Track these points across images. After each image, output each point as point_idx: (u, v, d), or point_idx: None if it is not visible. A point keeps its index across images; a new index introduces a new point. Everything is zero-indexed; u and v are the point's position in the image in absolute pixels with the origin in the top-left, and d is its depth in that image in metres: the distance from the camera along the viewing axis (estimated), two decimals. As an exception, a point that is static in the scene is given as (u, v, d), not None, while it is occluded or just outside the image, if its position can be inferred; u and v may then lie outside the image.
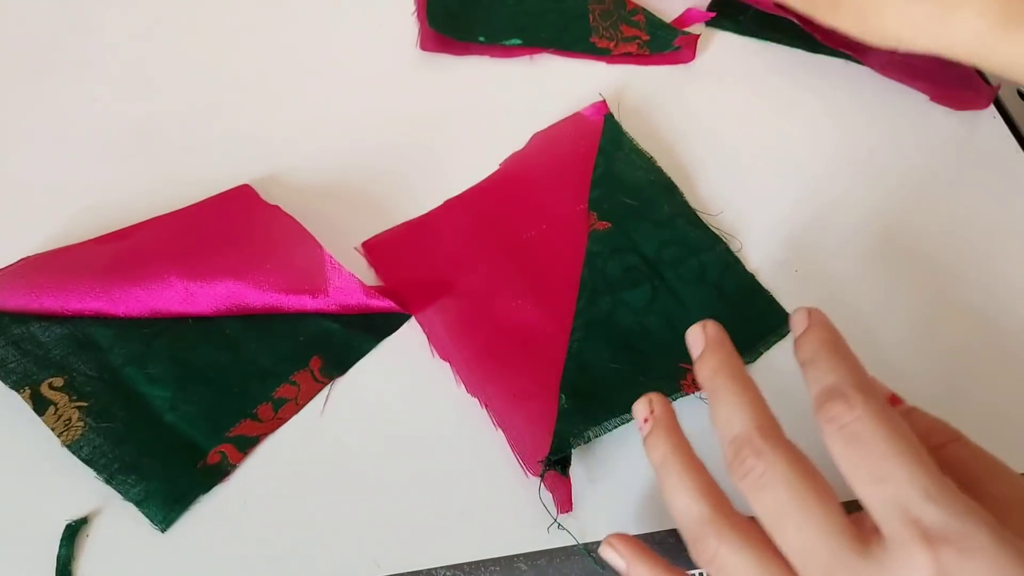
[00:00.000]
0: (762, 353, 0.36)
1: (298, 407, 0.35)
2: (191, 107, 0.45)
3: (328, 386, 0.35)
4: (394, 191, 0.41)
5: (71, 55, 0.47)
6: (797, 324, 0.28)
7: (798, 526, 0.24)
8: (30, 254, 0.38)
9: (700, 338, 0.29)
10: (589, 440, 0.33)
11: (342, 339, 0.36)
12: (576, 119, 0.43)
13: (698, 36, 0.46)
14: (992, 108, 0.45)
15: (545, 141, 0.42)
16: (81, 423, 0.33)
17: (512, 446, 0.33)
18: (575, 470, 0.33)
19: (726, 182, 0.42)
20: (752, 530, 0.25)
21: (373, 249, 0.39)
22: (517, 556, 0.32)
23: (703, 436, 0.29)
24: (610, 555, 0.28)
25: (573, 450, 0.32)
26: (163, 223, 0.39)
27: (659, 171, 0.41)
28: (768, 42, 0.47)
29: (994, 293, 0.38)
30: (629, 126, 0.43)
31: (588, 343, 0.35)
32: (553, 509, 0.32)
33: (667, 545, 0.31)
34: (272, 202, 0.39)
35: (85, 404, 0.34)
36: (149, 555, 0.32)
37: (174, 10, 0.49)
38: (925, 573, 0.22)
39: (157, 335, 0.36)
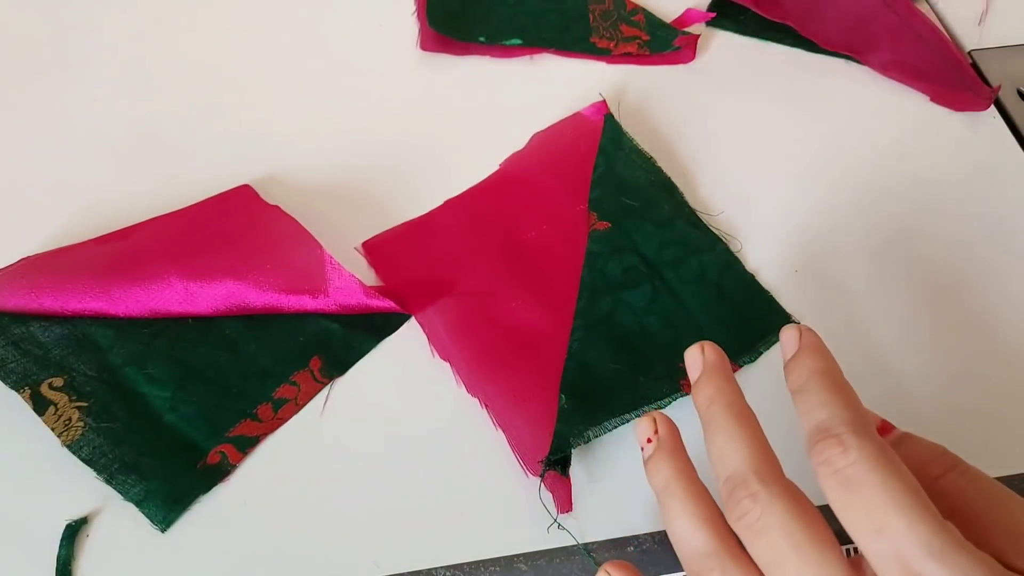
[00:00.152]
0: (762, 353, 0.36)
1: (298, 407, 0.35)
2: (191, 107, 0.45)
3: (328, 386, 0.35)
4: (394, 191, 0.41)
5: (71, 55, 0.47)
6: (787, 345, 0.27)
7: (795, 573, 0.23)
8: (30, 254, 0.38)
9: (698, 361, 0.28)
10: (589, 440, 0.33)
11: (342, 339, 0.36)
12: (576, 119, 0.43)
13: (698, 36, 0.46)
14: (992, 108, 0.44)
15: (545, 141, 0.42)
16: (81, 423, 0.33)
17: (512, 446, 0.33)
18: (575, 470, 0.33)
19: (726, 182, 0.42)
20: (754, 565, 0.24)
21: (373, 249, 0.39)
22: (517, 556, 0.32)
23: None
24: None
25: (573, 450, 0.32)
26: (163, 223, 0.39)
27: (659, 171, 0.41)
28: (768, 42, 0.47)
29: (994, 292, 0.38)
30: (629, 126, 0.43)
31: (588, 343, 0.35)
32: (553, 509, 0.32)
33: (667, 544, 0.31)
34: (272, 202, 0.39)
35: (85, 404, 0.34)
36: (149, 555, 0.32)
37: (174, 10, 0.49)
38: None
39: (157, 335, 0.36)
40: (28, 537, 0.32)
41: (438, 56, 0.46)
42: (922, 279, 0.39)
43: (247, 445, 0.34)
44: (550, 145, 0.42)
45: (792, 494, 0.24)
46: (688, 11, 0.47)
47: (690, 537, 0.25)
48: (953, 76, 0.45)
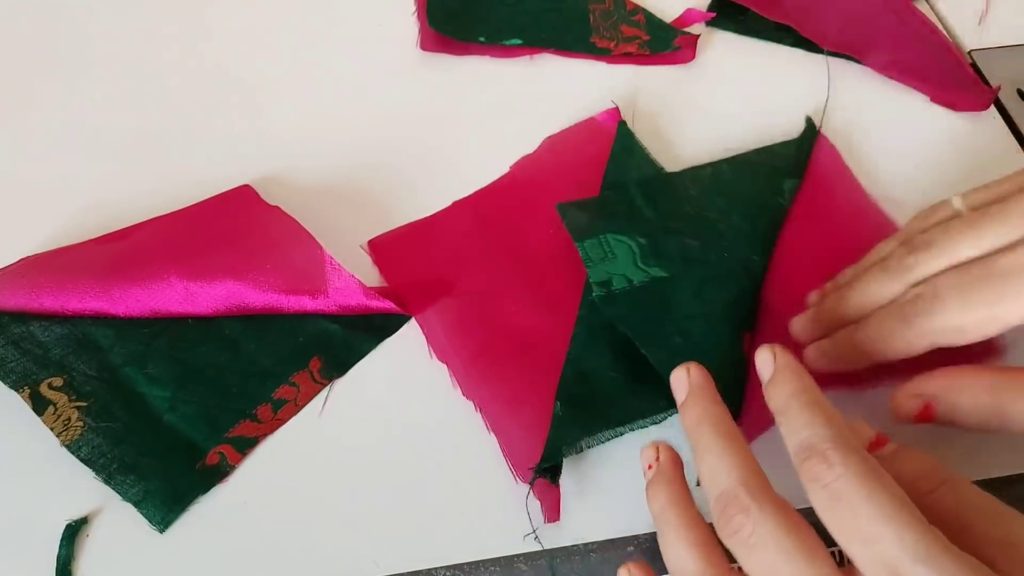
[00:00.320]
0: None
1: (297, 408, 0.35)
2: (192, 107, 0.45)
3: (327, 387, 0.35)
4: (394, 191, 0.41)
5: (72, 55, 0.47)
6: (764, 367, 0.28)
7: None
8: (30, 254, 0.38)
9: (684, 383, 0.29)
10: (582, 450, 0.33)
11: (342, 340, 0.36)
12: (589, 124, 0.43)
13: (698, 36, 0.46)
14: (992, 108, 0.44)
15: (557, 146, 0.42)
16: (80, 423, 0.33)
17: (504, 451, 0.33)
18: (575, 469, 0.33)
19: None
20: None
21: (378, 248, 0.39)
22: (517, 556, 0.32)
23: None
24: None
25: (565, 459, 0.32)
26: (163, 223, 0.39)
27: None
28: (768, 42, 0.47)
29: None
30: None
31: (588, 350, 0.35)
32: (536, 516, 0.32)
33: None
34: (273, 202, 0.39)
35: (84, 404, 0.34)
36: (149, 555, 0.32)
37: (175, 10, 0.49)
38: None
39: (157, 335, 0.36)
40: (28, 537, 0.32)
41: (438, 56, 0.46)
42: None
43: (246, 446, 0.34)
44: (561, 150, 0.42)
45: (782, 508, 0.25)
46: (688, 11, 0.47)
47: (684, 563, 0.26)
48: (953, 76, 0.45)
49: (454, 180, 0.41)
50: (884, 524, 0.23)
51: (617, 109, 0.43)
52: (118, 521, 0.32)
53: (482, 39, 0.46)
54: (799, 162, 0.41)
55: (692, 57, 0.46)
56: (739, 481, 0.25)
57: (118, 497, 0.32)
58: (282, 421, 0.34)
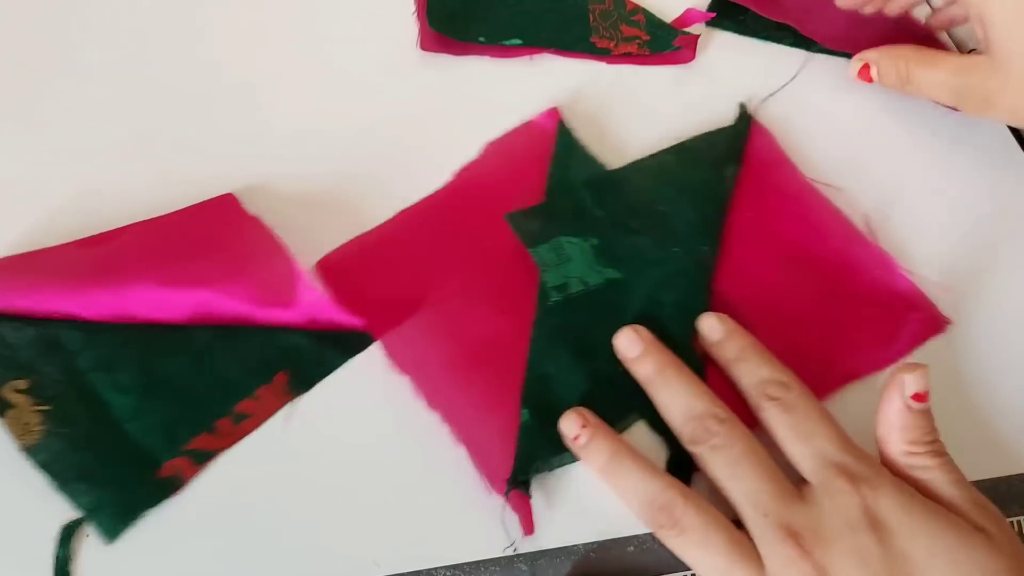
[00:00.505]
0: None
1: (259, 423, 0.34)
2: (186, 108, 0.44)
3: (291, 403, 0.35)
4: (395, 191, 0.41)
5: (57, 57, 0.46)
6: (713, 329, 0.34)
7: (751, 471, 0.30)
8: (2, 256, 0.37)
9: (636, 340, 0.34)
10: (553, 469, 0.33)
11: (311, 354, 0.35)
12: (529, 127, 0.43)
13: (698, 36, 0.47)
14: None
15: (498, 150, 0.42)
16: (40, 427, 0.33)
17: (475, 462, 0.33)
18: (574, 469, 0.33)
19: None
20: (703, 499, 0.30)
21: (327, 268, 0.38)
22: (517, 556, 0.31)
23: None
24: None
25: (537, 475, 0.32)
26: (142, 229, 0.38)
27: None
28: (768, 41, 0.47)
29: (993, 293, 0.38)
30: (631, 124, 0.43)
31: (547, 353, 0.35)
32: (512, 529, 0.32)
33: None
34: (262, 209, 0.39)
35: (47, 408, 0.33)
36: (148, 554, 0.31)
37: (168, 10, 0.48)
38: (850, 500, 0.28)
39: (126, 341, 0.35)
40: (26, 537, 0.31)
41: (438, 56, 0.46)
42: (919, 278, 0.39)
43: (203, 459, 0.33)
44: (504, 154, 0.42)
45: (745, 428, 0.31)
46: (688, 11, 0.48)
47: (643, 485, 0.30)
48: None
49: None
50: (824, 427, 0.31)
51: (556, 109, 0.43)
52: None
53: (482, 39, 0.46)
54: (736, 148, 0.41)
55: (692, 57, 0.46)
56: (712, 403, 0.32)
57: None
58: (242, 435, 0.34)
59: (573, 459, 0.33)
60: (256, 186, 0.41)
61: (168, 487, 0.32)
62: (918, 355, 0.36)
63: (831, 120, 0.44)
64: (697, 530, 0.29)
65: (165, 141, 0.43)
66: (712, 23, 0.48)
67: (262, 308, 0.35)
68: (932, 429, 0.30)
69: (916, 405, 0.30)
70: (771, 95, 0.45)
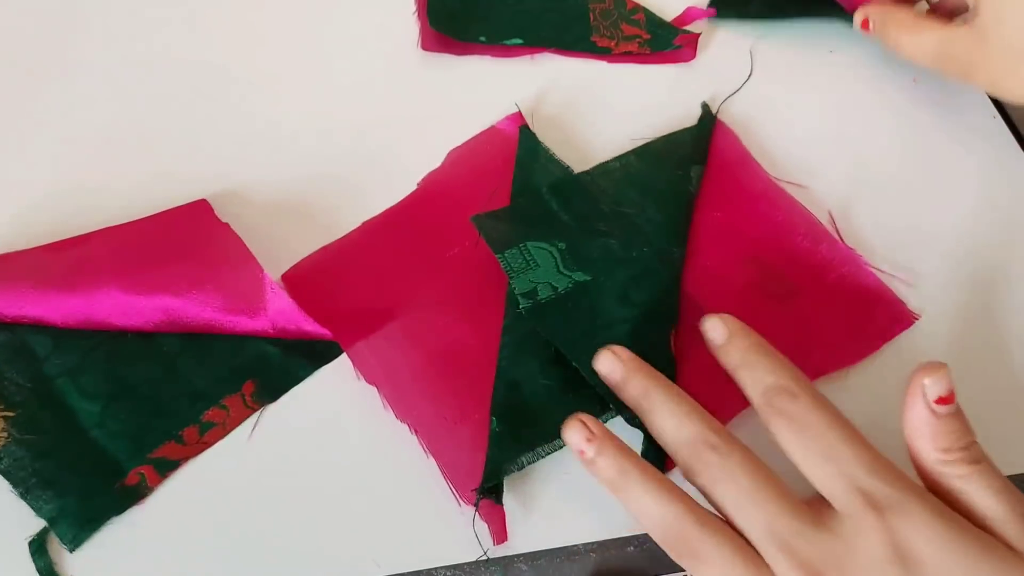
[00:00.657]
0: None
1: (225, 432, 0.34)
2: (183, 107, 0.44)
3: (258, 412, 0.35)
4: (395, 190, 0.41)
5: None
6: (716, 331, 0.31)
7: (758, 507, 0.27)
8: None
9: (616, 363, 0.31)
10: (522, 467, 0.32)
11: (279, 364, 0.35)
12: (491, 133, 0.42)
13: (699, 35, 0.46)
14: (992, 108, 0.45)
15: (462, 157, 0.42)
16: (4, 433, 0.33)
17: (444, 473, 0.33)
18: (573, 468, 0.33)
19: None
20: (722, 522, 0.27)
21: (293, 280, 0.38)
22: (517, 556, 0.32)
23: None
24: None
25: (506, 477, 0.32)
26: (113, 234, 0.38)
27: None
28: (771, 20, 0.47)
29: (994, 292, 0.39)
30: (630, 124, 0.43)
31: (516, 360, 0.35)
32: (485, 537, 0.32)
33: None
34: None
35: (11, 414, 0.33)
36: (147, 554, 0.32)
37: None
38: (878, 537, 0.25)
39: (94, 347, 0.35)
40: (9, 542, 0.32)
41: (438, 56, 0.46)
42: (919, 279, 0.39)
43: (168, 468, 0.33)
44: (467, 161, 0.42)
45: (744, 447, 0.28)
46: (688, 10, 0.47)
47: (662, 512, 0.28)
48: None
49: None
50: (843, 444, 0.27)
51: (519, 113, 0.43)
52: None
53: (483, 39, 0.46)
54: (701, 148, 0.41)
55: (693, 56, 0.46)
56: (705, 427, 0.28)
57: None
58: (207, 444, 0.34)
59: (543, 456, 0.33)
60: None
61: (132, 495, 0.32)
62: (887, 350, 0.36)
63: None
64: (715, 562, 0.27)
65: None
66: (718, 15, 0.47)
67: (230, 316, 0.35)
68: (965, 432, 0.27)
69: (942, 409, 0.27)
70: (733, 93, 0.44)
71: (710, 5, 0.48)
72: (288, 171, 0.42)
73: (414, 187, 0.41)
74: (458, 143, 0.42)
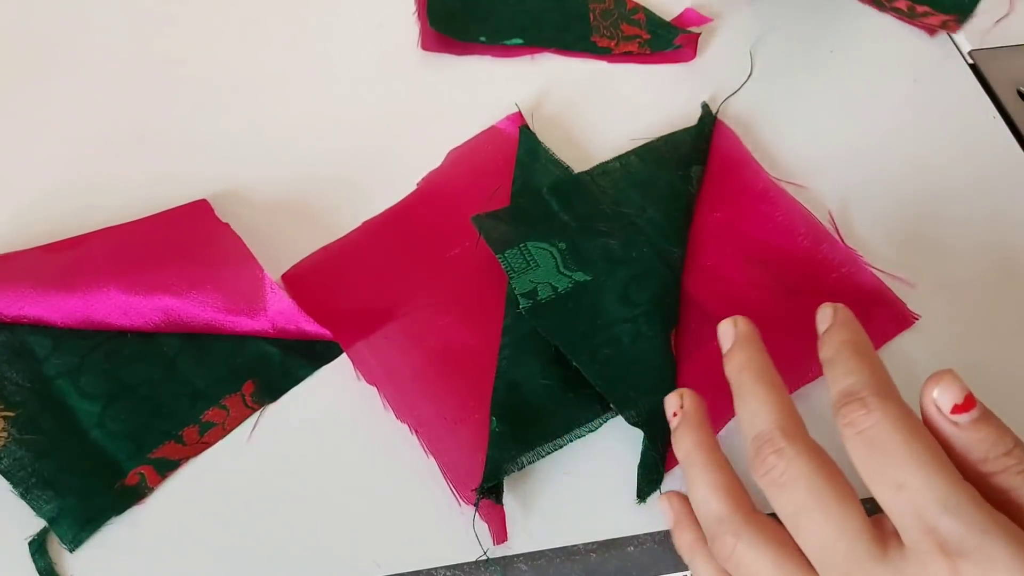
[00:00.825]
0: None
1: (225, 432, 0.34)
2: (184, 107, 0.44)
3: (258, 412, 0.35)
4: (396, 188, 0.41)
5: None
6: (821, 321, 0.28)
7: (817, 525, 0.24)
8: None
9: (730, 333, 0.29)
10: (523, 467, 0.32)
11: (279, 364, 0.35)
12: (491, 133, 0.43)
13: (699, 35, 0.47)
14: (992, 108, 0.45)
15: (462, 157, 0.42)
16: (5, 433, 0.33)
17: (444, 474, 0.33)
18: (572, 469, 0.33)
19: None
20: (772, 528, 0.25)
21: (294, 280, 0.38)
22: (517, 556, 0.32)
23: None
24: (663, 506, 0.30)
25: (506, 477, 0.32)
26: (114, 234, 0.38)
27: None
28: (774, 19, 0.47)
29: (994, 294, 0.39)
30: (630, 124, 0.43)
31: (516, 360, 0.35)
32: (485, 538, 0.31)
33: (668, 544, 0.31)
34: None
35: (12, 414, 0.33)
36: (147, 554, 0.31)
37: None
38: None
39: (94, 348, 0.35)
40: (9, 542, 0.31)
41: (438, 56, 0.46)
42: (918, 279, 0.39)
43: (167, 468, 0.33)
44: (467, 161, 0.42)
45: (816, 451, 0.25)
46: (687, 10, 0.48)
47: (707, 503, 0.27)
48: None
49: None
50: (916, 471, 0.23)
51: (519, 114, 0.43)
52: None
53: (483, 39, 0.46)
54: (701, 148, 0.41)
55: (693, 56, 0.46)
56: (775, 424, 0.26)
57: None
58: (207, 444, 0.34)
59: (543, 456, 0.33)
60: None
61: (132, 495, 0.32)
62: (887, 350, 0.36)
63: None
64: (750, 571, 0.25)
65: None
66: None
67: (230, 316, 0.35)
68: (1000, 436, 0.24)
69: (963, 419, 0.24)
70: (733, 93, 0.44)
71: None
72: (288, 171, 0.42)
73: (414, 187, 0.41)
74: (458, 143, 0.42)
